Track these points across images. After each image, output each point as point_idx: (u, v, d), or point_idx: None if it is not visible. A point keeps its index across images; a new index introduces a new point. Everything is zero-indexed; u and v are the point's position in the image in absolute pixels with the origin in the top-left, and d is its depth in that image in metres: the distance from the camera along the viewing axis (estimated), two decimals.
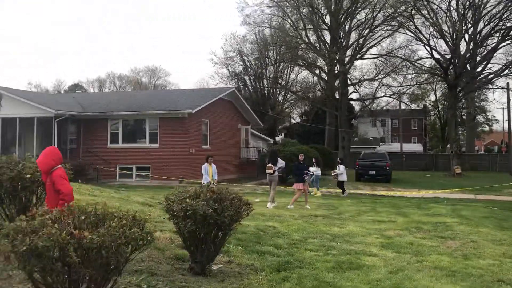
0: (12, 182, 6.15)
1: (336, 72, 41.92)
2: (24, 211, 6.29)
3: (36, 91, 55.95)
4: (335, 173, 19.66)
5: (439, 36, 35.35)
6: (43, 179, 5.68)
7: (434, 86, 55.29)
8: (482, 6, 34.42)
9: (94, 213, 4.46)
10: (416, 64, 38.80)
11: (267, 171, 14.12)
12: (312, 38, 43.09)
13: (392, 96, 43.87)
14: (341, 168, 19.10)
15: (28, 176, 6.14)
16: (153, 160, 24.41)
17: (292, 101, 55.32)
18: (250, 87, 51.50)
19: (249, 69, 50.62)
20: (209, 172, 13.53)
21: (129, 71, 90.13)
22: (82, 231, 3.93)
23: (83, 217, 4.31)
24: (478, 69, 37.25)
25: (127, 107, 26.23)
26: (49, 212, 4.31)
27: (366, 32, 40.20)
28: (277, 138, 48.80)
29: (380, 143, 64.00)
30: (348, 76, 42.85)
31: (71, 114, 24.79)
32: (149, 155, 24.62)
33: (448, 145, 46.13)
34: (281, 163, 14.61)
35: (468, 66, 36.61)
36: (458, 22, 34.61)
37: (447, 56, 35.89)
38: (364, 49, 41.41)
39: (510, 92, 38.90)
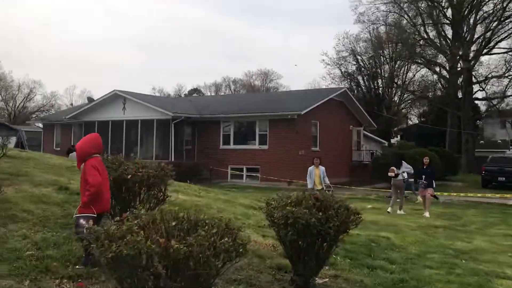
0: (115, 182, 6.14)
1: (458, 69, 38.56)
2: (123, 210, 6.29)
3: (159, 96, 59.77)
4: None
5: None
6: (77, 167, 5.58)
7: None
8: None
9: (187, 219, 4.15)
10: None
11: (389, 174, 13.17)
12: (432, 33, 40.18)
13: None
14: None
15: (129, 176, 6.08)
16: (262, 162, 24.41)
17: (409, 101, 52.25)
18: (363, 87, 49.65)
19: (362, 69, 48.81)
20: (316, 175, 12.74)
21: (243, 74, 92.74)
22: (168, 240, 3.61)
23: (173, 223, 4.02)
24: None
25: (238, 109, 26.62)
26: (140, 216, 4.09)
27: (494, 24, 36.45)
28: (393, 141, 46.40)
29: (510, 147, 57.83)
30: (473, 73, 39.19)
31: (186, 117, 25.80)
32: (259, 157, 24.67)
33: None
34: (406, 167, 13.51)
35: None
36: None
37: None
38: (492, 43, 37.56)
39: None
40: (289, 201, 5.42)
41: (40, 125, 36.66)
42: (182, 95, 73.10)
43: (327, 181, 12.75)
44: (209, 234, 3.77)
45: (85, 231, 4.48)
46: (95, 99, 35.11)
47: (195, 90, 78.50)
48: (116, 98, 27.27)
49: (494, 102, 41.51)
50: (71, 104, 62.12)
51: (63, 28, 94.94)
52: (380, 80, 49.64)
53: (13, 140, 37.34)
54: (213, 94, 77.36)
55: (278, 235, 5.41)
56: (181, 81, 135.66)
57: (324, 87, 47.69)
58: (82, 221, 4.92)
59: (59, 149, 29.47)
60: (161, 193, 6.64)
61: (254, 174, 24.72)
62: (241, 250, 3.82)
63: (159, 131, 26.34)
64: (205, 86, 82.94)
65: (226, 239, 3.76)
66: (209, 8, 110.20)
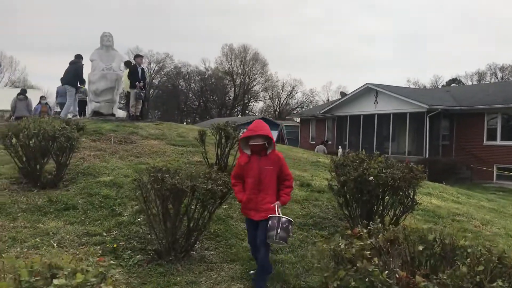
0: (355, 183, 5.40)
1: None
2: (368, 217, 5.48)
3: (413, 87, 57.02)
4: None
5: None
6: (243, 160, 4.37)
7: None
8: None
9: (440, 242, 3.09)
10: None
11: None
12: None
13: None
14: None
15: (371, 178, 5.24)
16: None
17: None
18: None
19: None
20: None
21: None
22: (412, 274, 2.65)
23: (420, 248, 3.03)
24: None
25: (507, 99, 22.71)
26: (377, 233, 3.23)
27: None
28: None
29: None
30: None
31: (443, 109, 23.41)
32: None
33: None
34: None
35: None
36: None
37: None
38: None
39: None
40: None
41: (298, 120, 39.13)
42: (440, 87, 68.13)
43: None
44: (472, 271, 2.65)
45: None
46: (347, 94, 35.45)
47: (454, 81, 72.15)
48: (368, 91, 26.74)
49: None
50: (327, 100, 64.96)
51: (318, 29, 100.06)
52: None
53: (275, 134, 41.05)
54: (475, 83, 69.77)
55: None
56: (438, 72, 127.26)
57: None
58: (290, 226, 4.18)
59: (313, 142, 30.74)
60: (409, 199, 5.61)
61: None
62: None
63: (412, 125, 24.67)
64: (466, 76, 75.44)
65: (499, 283, 2.57)
66: None
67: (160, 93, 69.01)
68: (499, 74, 73.67)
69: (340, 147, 26.35)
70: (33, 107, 15.39)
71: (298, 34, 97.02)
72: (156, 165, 4.96)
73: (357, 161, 5.68)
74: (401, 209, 5.63)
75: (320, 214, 6.34)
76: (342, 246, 3.09)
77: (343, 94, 34.65)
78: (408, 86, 60.65)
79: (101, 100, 11.47)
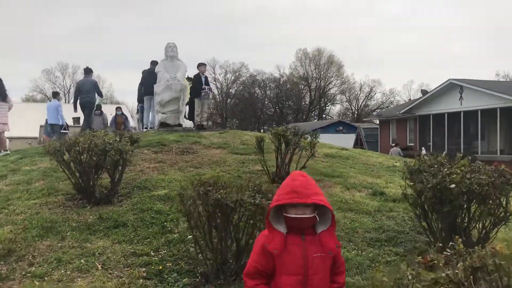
0: (434, 192, 4.61)
1: None
2: (452, 230, 4.66)
3: (503, 81, 52.67)
4: None
5: None
6: (275, 245, 2.44)
7: None
8: None
9: None
10: None
11: None
12: None
13: None
14: None
15: (452, 186, 4.42)
16: None
17: None
18: None
19: None
20: None
21: None
22: None
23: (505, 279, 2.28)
24: None
25: None
26: (455, 260, 2.51)
27: None
28: None
29: None
30: None
31: None
32: None
33: None
34: None
35: None
36: None
37: None
38: None
39: None
40: None
41: (377, 121, 37.50)
42: None
43: None
44: None
45: None
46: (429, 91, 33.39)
47: None
48: (451, 87, 24.84)
49: None
50: (409, 99, 61.99)
51: (397, 27, 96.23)
52: None
53: (353, 137, 39.71)
54: None
55: None
56: None
57: None
58: None
59: (394, 144, 29.20)
60: (501, 208, 4.69)
61: None
62: None
63: (503, 121, 22.48)
64: None
65: None
66: None
67: (237, 102, 70.04)
68: None
69: (423, 148, 24.70)
70: (109, 121, 15.61)
71: (374, 34, 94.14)
72: (203, 177, 4.50)
73: (435, 166, 4.86)
74: (492, 220, 4.73)
75: (395, 228, 5.56)
76: (409, 278, 2.43)
77: (424, 92, 32.63)
78: (498, 80, 56.24)
79: (167, 111, 11.38)
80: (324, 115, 70.24)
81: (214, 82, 69.75)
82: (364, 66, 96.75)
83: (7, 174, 7.68)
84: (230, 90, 71.30)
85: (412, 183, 4.96)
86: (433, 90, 27.53)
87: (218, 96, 70.99)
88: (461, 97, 24.21)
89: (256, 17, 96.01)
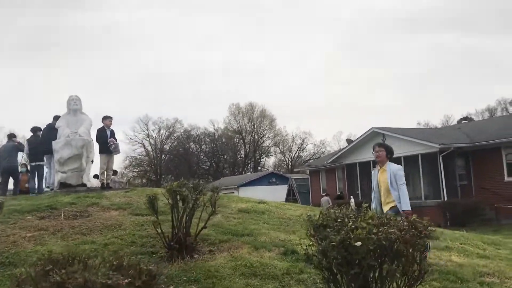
0: (339, 251, 3.97)
1: None
2: None
3: (422, 128, 55.43)
4: None
5: None
6: None
7: None
8: None
9: None
10: None
11: None
12: None
13: None
14: None
15: (358, 243, 3.81)
16: None
17: None
18: None
19: None
20: None
21: None
22: None
23: None
24: None
25: None
26: None
27: None
28: None
29: None
30: None
31: (456, 147, 21.91)
32: None
33: None
34: None
35: None
36: None
37: None
38: None
39: None
40: None
41: (307, 171, 37.63)
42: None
43: None
44: None
45: None
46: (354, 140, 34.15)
47: (465, 119, 70.52)
48: (374, 136, 25.37)
49: None
50: (339, 149, 63.57)
51: (320, 80, 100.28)
52: None
53: (285, 188, 39.52)
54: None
55: None
56: (447, 112, 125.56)
57: None
58: None
59: (324, 194, 29.11)
60: (416, 266, 4.12)
61: None
62: None
63: (425, 167, 23.08)
64: (477, 113, 73.82)
65: None
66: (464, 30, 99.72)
67: (171, 158, 68.63)
68: (510, 108, 72.12)
69: (351, 197, 24.71)
70: None
71: (301, 88, 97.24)
72: (58, 250, 3.59)
73: (339, 220, 4.26)
74: (407, 281, 4.14)
75: None
76: None
77: (349, 141, 33.30)
78: (418, 127, 59.14)
79: (67, 170, 10.23)
80: (259, 167, 70.34)
81: (147, 139, 68.31)
82: (295, 118, 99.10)
83: None
84: (164, 146, 69.94)
85: (315, 241, 4.32)
86: (357, 138, 28.06)
87: (152, 153, 69.32)
88: None
89: (188, 73, 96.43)
